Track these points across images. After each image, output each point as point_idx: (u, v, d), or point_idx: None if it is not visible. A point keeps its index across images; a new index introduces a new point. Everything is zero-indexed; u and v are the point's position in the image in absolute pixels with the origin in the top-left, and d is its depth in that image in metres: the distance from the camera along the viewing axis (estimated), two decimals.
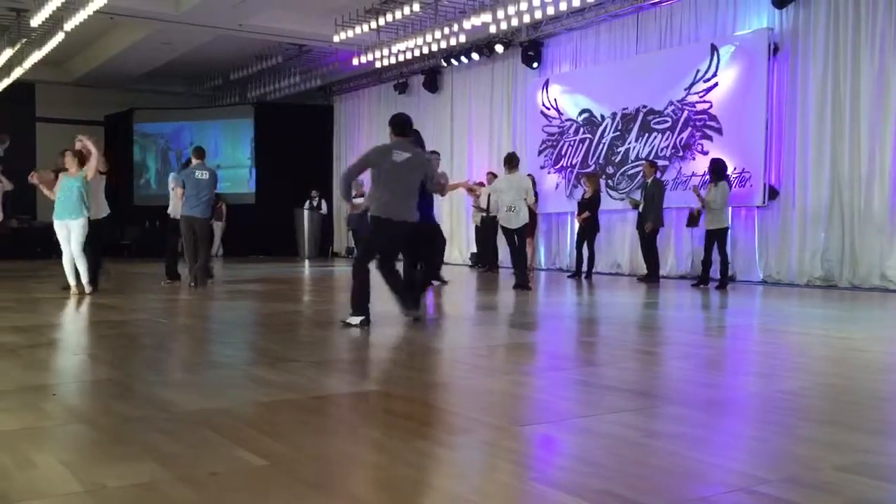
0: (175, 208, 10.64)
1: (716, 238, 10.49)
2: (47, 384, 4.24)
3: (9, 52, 15.12)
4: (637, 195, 12.34)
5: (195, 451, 2.89)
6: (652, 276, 11.59)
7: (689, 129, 12.41)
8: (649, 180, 11.78)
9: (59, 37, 13.49)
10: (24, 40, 14.54)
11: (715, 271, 10.59)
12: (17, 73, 16.16)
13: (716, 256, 10.55)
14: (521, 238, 10.31)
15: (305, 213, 18.93)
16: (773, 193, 11.35)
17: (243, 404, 3.68)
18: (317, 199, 19.14)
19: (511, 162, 10.65)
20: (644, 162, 12.39)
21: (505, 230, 10.41)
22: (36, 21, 12.76)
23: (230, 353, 5.48)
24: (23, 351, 5.25)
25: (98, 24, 14.71)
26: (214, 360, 5.27)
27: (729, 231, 10.82)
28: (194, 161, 10.48)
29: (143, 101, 21.30)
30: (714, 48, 12.03)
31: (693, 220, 11.11)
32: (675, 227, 12.59)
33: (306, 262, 17.86)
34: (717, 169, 10.61)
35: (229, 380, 4.43)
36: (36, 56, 14.99)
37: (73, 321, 6.94)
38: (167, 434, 3.12)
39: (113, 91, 20.95)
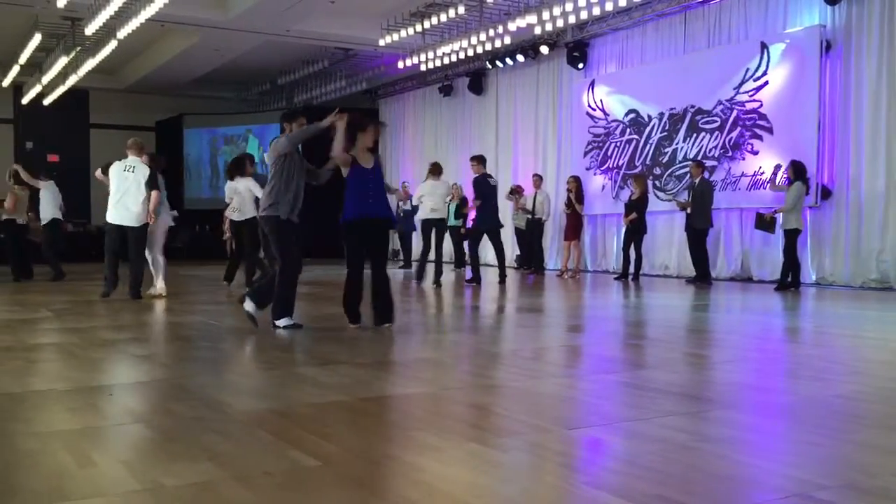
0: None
1: (786, 238, 10.31)
2: (104, 384, 4.34)
3: (64, 60, 15.53)
4: (684, 196, 12.21)
5: (249, 452, 2.93)
6: (701, 278, 11.45)
7: (739, 128, 12.23)
8: (696, 180, 11.65)
9: (112, 45, 13.80)
10: (78, 48, 14.92)
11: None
12: (72, 80, 16.60)
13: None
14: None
15: None
16: (825, 193, 11.12)
17: (295, 405, 3.73)
18: None
19: (435, 171, 11.89)
20: (691, 162, 12.25)
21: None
22: (90, 30, 13.06)
23: (280, 354, 5.55)
24: (80, 352, 5.39)
25: (149, 32, 15.01)
26: (265, 362, 5.34)
27: (800, 233, 10.51)
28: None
29: (193, 107, 21.68)
30: (764, 46, 11.83)
31: (764, 224, 10.76)
32: (725, 228, 12.42)
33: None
34: (795, 169, 10.42)
35: (280, 381, 4.49)
36: (90, 64, 15.39)
37: (128, 323, 7.08)
38: (222, 434, 3.18)
39: (164, 97, 21.37)
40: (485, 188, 11.27)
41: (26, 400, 3.90)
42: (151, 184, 8.86)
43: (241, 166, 10.41)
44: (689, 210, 11.60)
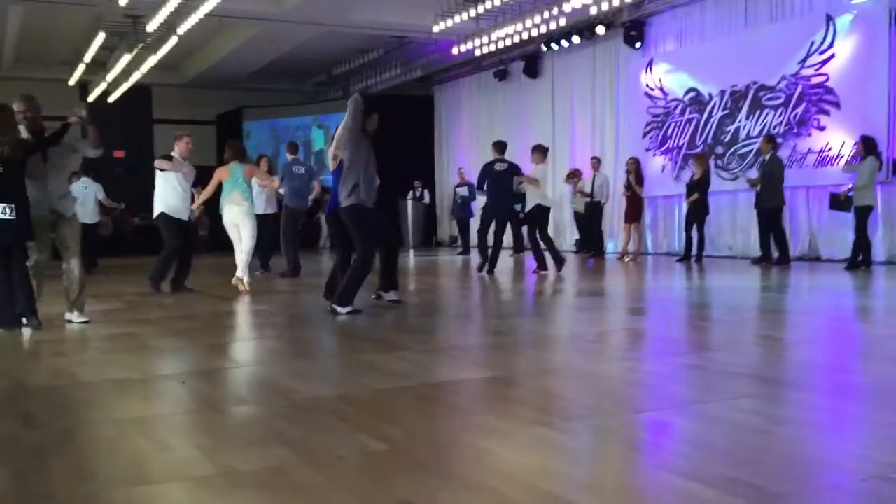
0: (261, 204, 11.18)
1: (858, 215, 10.03)
2: (177, 373, 4.45)
3: (127, 58, 15.90)
4: (751, 174, 11.92)
5: (319, 436, 2.98)
6: (774, 258, 11.11)
7: (804, 104, 11.88)
8: (766, 157, 11.28)
9: (173, 41, 14.09)
10: (140, 45, 15.25)
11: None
12: (135, 77, 17.00)
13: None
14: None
15: (409, 203, 19.16)
16: None
17: (361, 391, 3.77)
18: (419, 189, 19.33)
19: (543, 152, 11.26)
20: (761, 138, 11.88)
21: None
22: (151, 26, 13.35)
23: (344, 341, 5.61)
24: (152, 342, 5.54)
25: (207, 27, 15.23)
26: (330, 349, 5.42)
27: (872, 210, 10.23)
28: (290, 156, 11.13)
29: (252, 100, 21.99)
30: (829, 18, 11.46)
31: (839, 204, 10.44)
32: (791, 207, 12.07)
33: (411, 251, 18.08)
34: (866, 144, 10.13)
35: (346, 367, 4.55)
36: (152, 60, 15.73)
37: (196, 313, 7.25)
38: (291, 420, 3.23)
39: (223, 91, 21.71)
40: (487, 174, 10.76)
41: (104, 389, 4.03)
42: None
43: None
44: (758, 188, 11.25)
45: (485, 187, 10.87)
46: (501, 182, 10.71)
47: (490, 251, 10.71)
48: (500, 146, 10.89)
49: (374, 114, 6.80)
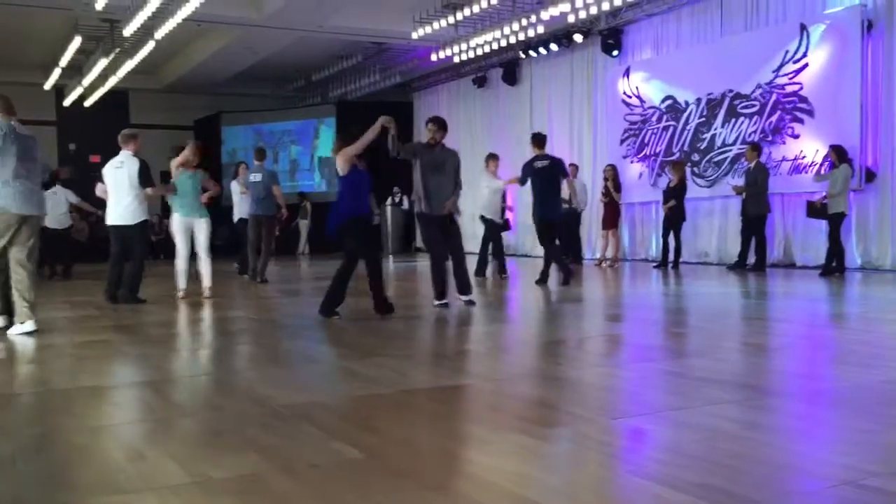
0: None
1: (831, 222, 10.15)
2: (151, 380, 4.41)
3: (104, 62, 15.77)
4: (732, 180, 12.03)
5: (294, 444, 2.96)
6: (749, 264, 11.21)
7: (779, 112, 12.01)
8: (752, 164, 11.37)
9: (150, 45, 13.99)
10: (117, 50, 15.14)
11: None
12: (112, 81, 16.88)
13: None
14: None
15: (388, 209, 19.13)
16: (870, 176, 10.89)
17: (337, 398, 3.75)
18: (399, 195, 19.32)
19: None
20: (745, 146, 11.96)
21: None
22: (128, 31, 13.25)
23: (321, 347, 5.59)
24: (127, 349, 5.49)
25: (185, 32, 15.17)
26: (307, 355, 5.39)
27: (845, 217, 10.39)
28: (255, 163, 11.21)
29: (231, 105, 21.90)
30: (803, 27, 11.60)
31: (816, 211, 10.52)
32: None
33: (390, 257, 18.06)
34: (838, 153, 10.27)
35: (322, 374, 4.53)
36: (129, 65, 15.62)
37: (171, 320, 7.19)
38: (266, 427, 3.21)
39: (202, 96, 21.61)
40: (527, 172, 9.83)
41: (76, 396, 3.98)
42: (145, 179, 8.17)
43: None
44: (743, 196, 11.36)
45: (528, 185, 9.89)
46: (544, 180, 9.64)
47: (545, 258, 10.01)
48: (540, 140, 9.93)
49: (428, 123, 7.09)
